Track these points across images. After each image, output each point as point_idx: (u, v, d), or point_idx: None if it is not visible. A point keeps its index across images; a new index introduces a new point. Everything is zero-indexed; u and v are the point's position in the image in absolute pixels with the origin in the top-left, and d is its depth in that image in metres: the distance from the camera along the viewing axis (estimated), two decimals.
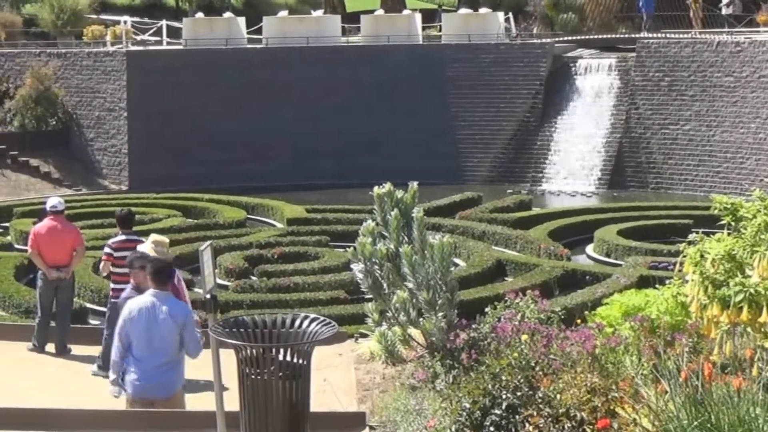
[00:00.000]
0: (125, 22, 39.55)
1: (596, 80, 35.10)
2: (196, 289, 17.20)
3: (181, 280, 11.44)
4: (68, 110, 36.13)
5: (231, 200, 28.63)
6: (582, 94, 35.05)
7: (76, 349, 13.45)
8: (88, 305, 18.30)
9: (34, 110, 35.46)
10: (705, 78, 32.45)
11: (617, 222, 24.68)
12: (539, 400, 7.01)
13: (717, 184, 31.30)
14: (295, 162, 34.55)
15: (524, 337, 8.06)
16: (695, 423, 5.83)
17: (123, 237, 13.00)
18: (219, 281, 19.15)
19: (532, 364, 7.50)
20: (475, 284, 18.94)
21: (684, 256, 7.86)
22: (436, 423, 7.50)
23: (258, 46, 38.01)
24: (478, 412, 7.15)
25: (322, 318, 7.48)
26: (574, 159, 34.38)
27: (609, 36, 38.75)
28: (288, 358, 7.19)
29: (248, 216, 27.08)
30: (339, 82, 35.60)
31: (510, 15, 40.50)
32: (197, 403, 9.92)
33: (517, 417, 7.04)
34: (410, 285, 9.56)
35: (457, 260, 21.33)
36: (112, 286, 12.89)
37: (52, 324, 13.68)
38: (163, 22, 40.16)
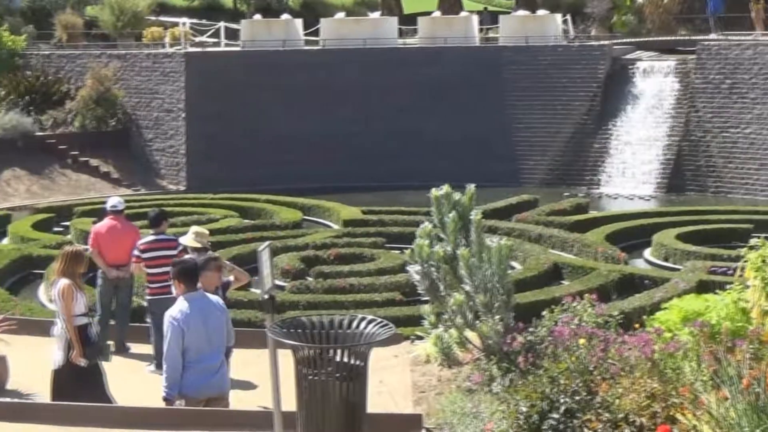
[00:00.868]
0: (184, 24, 39.94)
1: (655, 82, 34.75)
2: (252, 289, 17.32)
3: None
4: (127, 111, 36.54)
5: (287, 201, 28.71)
6: (640, 97, 34.71)
7: (135, 348, 13.62)
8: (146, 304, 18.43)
9: (95, 111, 35.93)
10: (767, 81, 32.00)
11: (676, 226, 24.41)
12: (597, 405, 6.97)
13: None
14: (351, 163, 34.62)
15: (582, 341, 8.01)
16: (758, 431, 5.76)
17: (152, 238, 13.05)
18: (276, 282, 19.21)
19: (590, 369, 7.46)
20: (531, 287, 18.82)
21: (745, 261, 7.77)
22: (493, 426, 7.48)
23: (315, 47, 38.20)
24: (536, 416, 7.12)
25: (379, 319, 7.49)
26: (632, 162, 34.07)
27: (668, 38, 38.37)
28: (345, 359, 7.21)
29: (304, 217, 27.14)
30: (396, 84, 35.62)
31: (568, 17, 40.29)
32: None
33: (575, 421, 7.01)
34: (467, 287, 9.55)
35: (513, 263, 21.23)
36: (147, 285, 13.01)
37: (112, 322, 13.87)
38: (221, 24, 40.49)
